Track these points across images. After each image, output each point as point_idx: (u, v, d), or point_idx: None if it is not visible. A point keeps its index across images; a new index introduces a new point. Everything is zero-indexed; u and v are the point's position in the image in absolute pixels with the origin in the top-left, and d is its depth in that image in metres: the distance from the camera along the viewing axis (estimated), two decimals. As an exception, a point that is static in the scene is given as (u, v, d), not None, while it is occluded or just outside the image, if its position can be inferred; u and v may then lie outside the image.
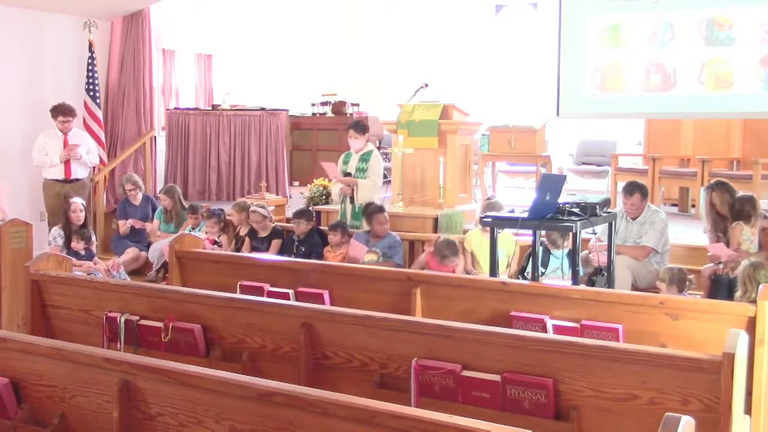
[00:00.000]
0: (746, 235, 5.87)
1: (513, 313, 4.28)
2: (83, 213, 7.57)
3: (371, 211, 6.88)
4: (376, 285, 4.76)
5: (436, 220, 7.30)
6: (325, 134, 11.41)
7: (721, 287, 5.70)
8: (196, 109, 10.80)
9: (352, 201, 7.42)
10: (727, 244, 5.89)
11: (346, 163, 7.57)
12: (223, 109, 10.50)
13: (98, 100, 9.37)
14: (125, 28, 9.87)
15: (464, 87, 11.47)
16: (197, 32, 11.23)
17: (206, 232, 7.51)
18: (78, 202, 7.59)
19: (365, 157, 7.49)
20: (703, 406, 3.00)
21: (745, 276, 5.02)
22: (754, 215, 5.88)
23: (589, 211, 5.35)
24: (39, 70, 9.21)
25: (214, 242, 7.45)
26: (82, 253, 7.32)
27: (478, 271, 6.47)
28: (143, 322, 4.22)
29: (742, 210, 5.90)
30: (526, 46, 12.20)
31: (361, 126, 7.62)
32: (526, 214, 5.38)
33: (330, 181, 7.93)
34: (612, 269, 5.78)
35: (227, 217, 7.81)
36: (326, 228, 7.35)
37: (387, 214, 6.89)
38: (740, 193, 6.15)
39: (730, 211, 6.00)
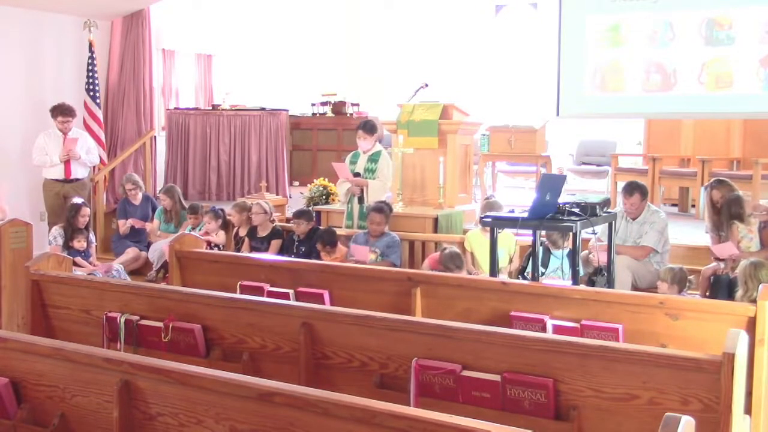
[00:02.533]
0: (743, 232, 5.88)
1: (513, 313, 4.27)
2: (87, 217, 7.63)
3: (370, 208, 6.91)
4: (376, 285, 4.76)
5: (436, 220, 7.30)
6: (325, 134, 11.42)
7: (721, 287, 5.70)
8: (196, 109, 10.80)
9: (360, 201, 7.38)
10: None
11: (353, 163, 7.54)
12: (223, 109, 10.51)
13: (98, 100, 9.38)
14: (125, 28, 9.87)
15: (464, 87, 11.48)
16: (197, 32, 11.23)
17: (206, 231, 7.51)
18: (87, 209, 7.61)
19: (374, 158, 7.46)
20: (703, 406, 3.00)
21: (746, 275, 5.02)
22: (743, 213, 5.90)
23: (589, 211, 5.36)
24: (39, 70, 9.21)
25: (210, 244, 7.45)
26: (82, 252, 7.33)
27: (478, 271, 6.47)
28: (143, 322, 4.22)
29: (731, 212, 5.92)
30: (526, 46, 12.21)
31: (370, 126, 7.58)
32: (526, 214, 5.38)
33: (337, 180, 7.90)
34: (612, 269, 5.78)
35: (227, 218, 7.82)
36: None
37: (384, 215, 6.84)
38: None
39: (722, 213, 6.02)
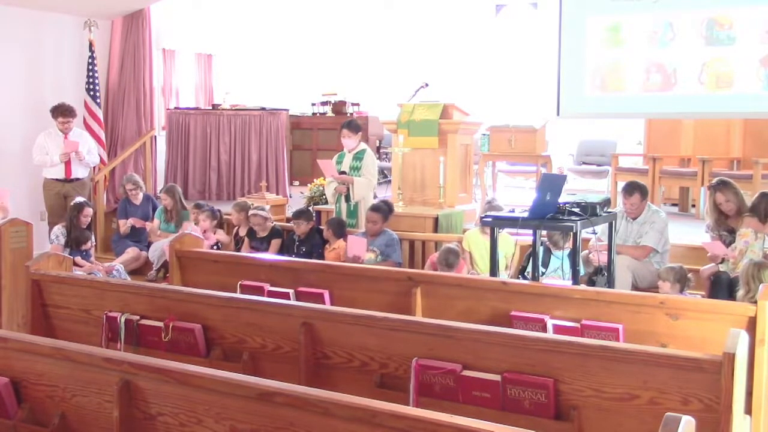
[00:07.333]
0: (750, 235, 5.71)
1: (513, 313, 4.27)
2: (90, 217, 7.64)
3: (369, 208, 6.93)
4: (376, 285, 4.76)
5: (436, 219, 7.30)
6: (325, 134, 11.42)
7: (721, 287, 5.68)
8: (197, 108, 10.80)
9: (347, 200, 7.43)
10: (728, 245, 5.85)
11: (339, 162, 7.57)
12: (223, 109, 10.51)
13: (98, 100, 9.38)
14: (125, 28, 9.87)
15: (464, 87, 11.47)
16: (197, 32, 11.23)
17: (203, 230, 7.51)
18: (89, 209, 7.63)
19: (359, 156, 7.49)
20: (703, 406, 3.00)
21: (748, 275, 4.99)
22: None
23: (589, 211, 5.35)
24: (39, 70, 9.22)
25: (216, 245, 7.47)
26: (82, 252, 7.34)
27: (475, 271, 6.46)
28: (143, 321, 4.21)
29: (760, 206, 5.72)
30: (526, 46, 12.20)
31: (354, 125, 7.64)
32: (526, 214, 5.38)
33: (324, 179, 7.94)
34: (612, 269, 5.77)
35: (227, 217, 7.82)
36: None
37: (381, 214, 6.84)
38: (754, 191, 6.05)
39: (754, 205, 5.82)
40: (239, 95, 11.15)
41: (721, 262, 5.85)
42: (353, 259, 6.38)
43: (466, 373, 3.36)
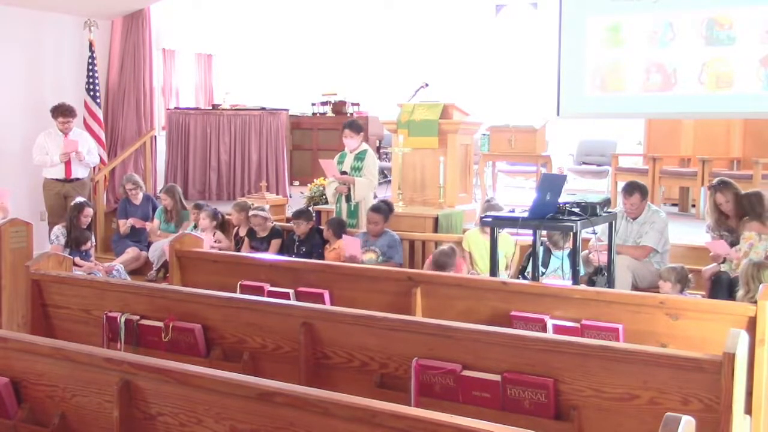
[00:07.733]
0: (754, 238, 5.67)
1: (513, 313, 4.27)
2: (90, 217, 7.64)
3: (369, 208, 6.93)
4: (376, 285, 4.76)
5: (436, 219, 7.30)
6: (326, 134, 11.43)
7: (721, 287, 5.68)
8: (197, 108, 10.80)
9: (348, 200, 7.44)
10: (731, 244, 5.84)
11: (340, 162, 7.57)
12: (223, 109, 10.51)
13: (98, 100, 9.38)
14: (125, 28, 9.88)
15: (464, 87, 11.47)
16: (197, 32, 11.23)
17: (203, 229, 7.50)
18: (90, 209, 7.63)
19: (360, 156, 7.50)
20: (703, 406, 3.00)
21: (748, 276, 4.98)
22: (764, 213, 5.64)
23: (589, 211, 5.35)
24: (39, 70, 9.22)
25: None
26: (82, 252, 7.35)
27: (475, 271, 6.46)
28: (143, 321, 4.21)
29: (753, 209, 5.74)
30: (526, 46, 12.20)
31: (356, 125, 7.64)
32: (526, 214, 5.38)
33: (325, 179, 7.94)
34: (612, 269, 5.77)
35: (227, 217, 7.83)
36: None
37: (382, 214, 6.84)
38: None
39: (737, 207, 5.89)
40: (239, 95, 11.15)
41: (722, 262, 5.85)
42: (350, 259, 6.38)
43: (466, 373, 3.36)
